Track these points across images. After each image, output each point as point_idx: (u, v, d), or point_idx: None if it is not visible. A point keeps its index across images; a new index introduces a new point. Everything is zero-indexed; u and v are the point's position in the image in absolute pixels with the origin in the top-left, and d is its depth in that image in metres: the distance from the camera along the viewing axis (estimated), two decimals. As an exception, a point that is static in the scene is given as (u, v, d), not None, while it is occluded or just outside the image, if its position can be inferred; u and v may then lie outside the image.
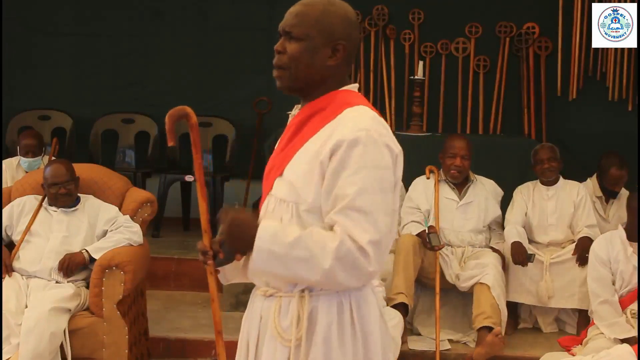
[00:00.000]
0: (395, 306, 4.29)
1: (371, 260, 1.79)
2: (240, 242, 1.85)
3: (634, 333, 3.85)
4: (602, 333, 3.98)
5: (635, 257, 4.02)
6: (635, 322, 3.94)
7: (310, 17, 1.93)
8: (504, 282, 4.51)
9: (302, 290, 1.90)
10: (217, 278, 2.06)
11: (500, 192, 4.85)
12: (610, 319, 3.98)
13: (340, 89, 1.97)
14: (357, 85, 2.03)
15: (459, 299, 4.67)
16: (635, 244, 4.06)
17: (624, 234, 4.10)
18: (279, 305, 1.92)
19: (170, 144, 2.00)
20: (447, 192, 4.71)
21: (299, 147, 1.92)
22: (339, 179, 1.83)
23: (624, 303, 4.04)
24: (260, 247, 1.81)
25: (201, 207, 2.02)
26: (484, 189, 4.76)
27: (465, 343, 4.45)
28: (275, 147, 2.03)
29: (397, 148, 1.91)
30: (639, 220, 4.00)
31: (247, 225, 1.85)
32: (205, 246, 1.96)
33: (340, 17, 1.95)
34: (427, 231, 4.47)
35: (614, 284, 4.07)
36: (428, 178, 4.76)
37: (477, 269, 4.47)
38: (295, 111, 2.03)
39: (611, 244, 4.11)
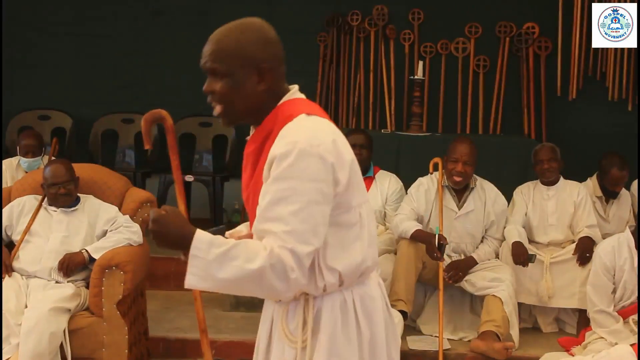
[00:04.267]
0: (393, 311, 4.29)
1: (292, 266, 1.78)
2: (168, 242, 1.82)
3: (634, 340, 3.82)
4: (602, 337, 3.96)
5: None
6: (636, 329, 3.91)
7: (227, 51, 1.92)
8: (516, 301, 4.46)
9: (307, 294, 1.93)
10: None
11: (503, 203, 4.68)
12: (610, 326, 3.96)
13: (281, 102, 1.96)
14: (296, 86, 2.01)
15: (463, 298, 4.67)
16: None
17: (632, 241, 3.96)
18: (286, 309, 1.96)
19: (146, 147, 2.01)
20: (447, 201, 4.57)
21: (261, 173, 1.91)
22: (265, 188, 1.85)
23: (626, 313, 3.97)
24: (195, 254, 1.78)
25: (180, 208, 2.04)
26: (485, 196, 4.62)
27: (469, 341, 4.43)
28: (242, 175, 2.03)
29: (332, 157, 1.85)
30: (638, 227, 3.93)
31: (174, 225, 1.82)
32: None
33: (255, 40, 1.94)
34: (437, 240, 4.30)
35: (614, 292, 4.00)
36: (431, 173, 4.65)
37: (494, 282, 4.41)
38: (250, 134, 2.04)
39: (618, 251, 3.97)
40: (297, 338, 1.93)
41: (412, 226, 4.47)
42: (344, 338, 1.94)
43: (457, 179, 4.51)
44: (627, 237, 4.00)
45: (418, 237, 4.43)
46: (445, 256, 4.44)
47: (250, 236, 2.04)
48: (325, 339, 1.92)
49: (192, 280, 1.80)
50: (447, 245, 4.37)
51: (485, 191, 4.64)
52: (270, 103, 1.95)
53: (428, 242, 4.36)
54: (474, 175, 4.63)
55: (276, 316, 1.99)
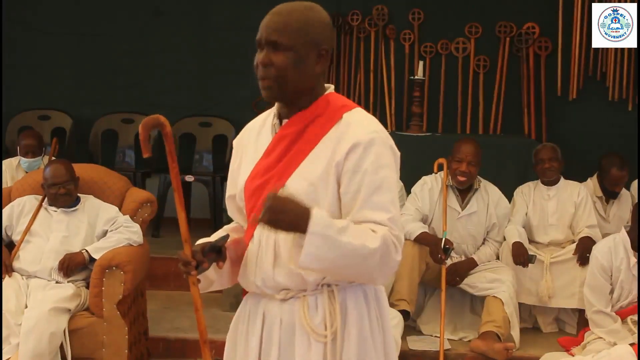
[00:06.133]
0: (396, 311, 4.28)
1: (399, 250, 1.88)
2: (287, 219, 1.79)
3: (633, 340, 3.82)
4: (600, 337, 3.96)
5: (637, 267, 3.93)
6: (635, 329, 3.91)
7: (293, 26, 1.90)
8: (517, 302, 4.46)
9: (329, 285, 1.93)
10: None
11: (506, 207, 4.68)
12: (608, 326, 3.96)
13: (326, 92, 1.99)
14: (332, 86, 2.04)
15: (463, 298, 4.66)
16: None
17: (628, 241, 3.98)
18: (305, 305, 1.93)
19: (145, 155, 1.94)
20: (450, 200, 4.57)
21: (304, 155, 1.92)
22: (357, 178, 1.86)
23: (624, 314, 3.98)
24: (314, 230, 1.78)
25: (180, 217, 2.01)
26: (488, 198, 4.62)
27: (469, 341, 4.43)
28: (260, 159, 1.99)
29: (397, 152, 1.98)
30: (638, 229, 3.92)
31: (294, 204, 1.81)
32: (187, 256, 1.94)
33: (320, 22, 1.94)
34: (443, 244, 4.33)
35: (612, 292, 4.00)
36: (436, 172, 4.66)
37: (495, 284, 4.41)
38: (274, 120, 2.01)
39: (615, 251, 3.99)
40: (325, 332, 1.91)
41: (418, 228, 4.48)
42: (370, 330, 1.96)
43: (462, 178, 4.51)
44: (623, 237, 4.02)
45: (423, 240, 4.44)
46: None
47: (240, 241, 2.03)
48: (355, 331, 1.93)
49: (307, 259, 1.79)
50: (452, 250, 4.38)
51: (488, 193, 4.64)
52: (318, 89, 1.97)
53: (433, 244, 4.37)
54: (478, 176, 4.63)
55: (288, 317, 1.95)
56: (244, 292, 2.10)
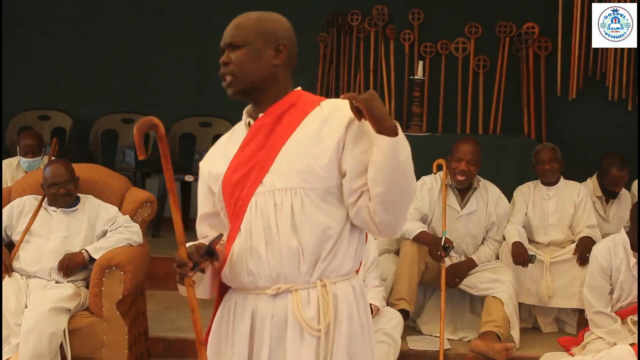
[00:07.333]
0: (395, 311, 4.28)
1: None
2: (381, 107, 1.88)
3: (633, 340, 3.82)
4: (600, 337, 3.96)
5: (637, 268, 3.92)
6: (635, 329, 3.91)
7: (247, 26, 2.01)
8: (517, 302, 4.46)
9: (321, 280, 1.96)
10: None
11: (505, 206, 4.66)
12: (608, 327, 3.96)
13: (296, 89, 2.06)
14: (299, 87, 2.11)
15: (463, 298, 4.66)
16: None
17: (627, 242, 3.97)
18: (298, 299, 1.95)
19: (140, 157, 1.97)
20: (450, 200, 4.56)
21: (285, 139, 1.96)
22: (362, 145, 1.93)
23: (624, 314, 3.97)
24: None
25: (175, 218, 2.00)
26: (487, 197, 4.61)
27: (469, 341, 4.42)
28: (237, 153, 2.04)
29: None
30: (638, 229, 3.91)
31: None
32: (183, 257, 1.95)
33: (275, 20, 2.04)
34: (443, 243, 4.32)
35: (611, 293, 4.00)
36: (435, 173, 4.66)
37: (495, 284, 4.41)
38: (246, 120, 2.09)
39: (614, 252, 3.98)
40: (319, 325, 1.94)
41: (417, 227, 4.47)
42: (359, 324, 1.99)
43: (461, 177, 4.50)
44: (623, 237, 4.01)
45: (422, 239, 4.43)
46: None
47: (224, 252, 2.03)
48: (345, 325, 1.96)
49: (396, 140, 1.87)
50: (452, 248, 4.38)
51: (488, 192, 4.63)
52: (286, 84, 2.04)
53: (432, 243, 4.36)
54: (478, 176, 4.62)
55: (280, 312, 1.95)
56: (217, 301, 2.09)
